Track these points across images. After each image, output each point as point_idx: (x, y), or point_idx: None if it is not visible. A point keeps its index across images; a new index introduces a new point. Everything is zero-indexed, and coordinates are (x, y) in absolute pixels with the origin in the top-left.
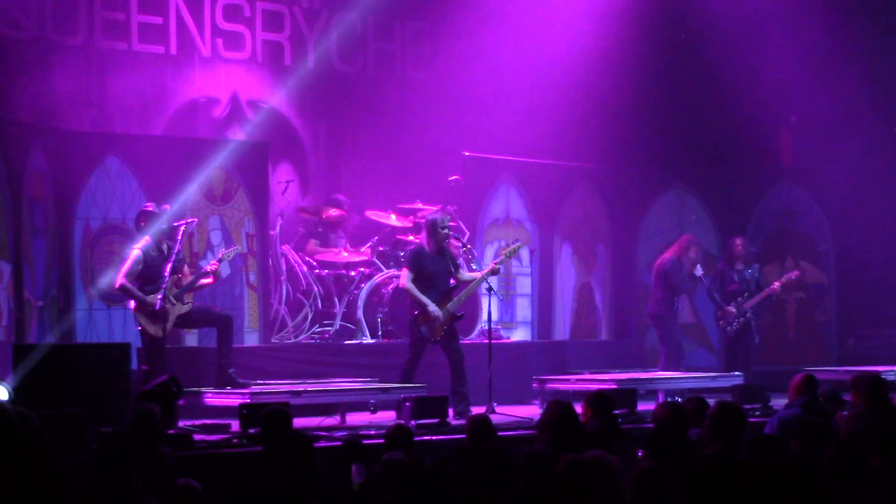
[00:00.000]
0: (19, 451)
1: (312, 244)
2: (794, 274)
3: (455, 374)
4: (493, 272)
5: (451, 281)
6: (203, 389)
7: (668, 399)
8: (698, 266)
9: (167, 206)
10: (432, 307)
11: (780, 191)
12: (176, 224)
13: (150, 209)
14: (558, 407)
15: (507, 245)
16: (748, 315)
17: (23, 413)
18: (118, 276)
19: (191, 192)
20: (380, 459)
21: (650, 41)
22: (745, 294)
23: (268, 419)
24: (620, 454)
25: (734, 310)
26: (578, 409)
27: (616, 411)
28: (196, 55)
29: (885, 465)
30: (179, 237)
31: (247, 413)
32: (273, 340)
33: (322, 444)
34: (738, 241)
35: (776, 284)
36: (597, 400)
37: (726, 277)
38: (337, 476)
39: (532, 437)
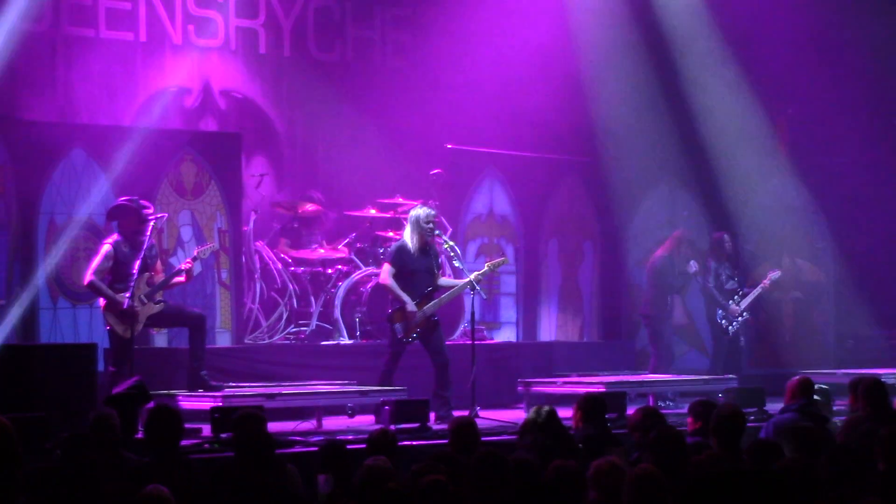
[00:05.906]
0: None
1: (283, 244)
2: (775, 273)
3: (439, 378)
4: (472, 286)
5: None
6: (174, 392)
7: (659, 403)
8: (692, 262)
9: (150, 207)
10: (410, 305)
11: (775, 186)
12: (145, 215)
13: (124, 203)
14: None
15: (491, 258)
16: (745, 315)
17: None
18: (87, 273)
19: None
20: (359, 465)
21: (639, 32)
22: (740, 293)
23: (240, 423)
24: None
25: (737, 308)
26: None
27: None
28: (167, 42)
29: (890, 469)
30: (148, 233)
31: (219, 417)
32: (246, 341)
33: (297, 449)
34: (727, 236)
35: (766, 281)
36: (588, 404)
37: (722, 275)
38: (312, 483)
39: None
